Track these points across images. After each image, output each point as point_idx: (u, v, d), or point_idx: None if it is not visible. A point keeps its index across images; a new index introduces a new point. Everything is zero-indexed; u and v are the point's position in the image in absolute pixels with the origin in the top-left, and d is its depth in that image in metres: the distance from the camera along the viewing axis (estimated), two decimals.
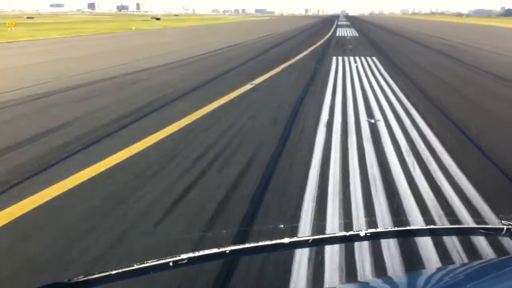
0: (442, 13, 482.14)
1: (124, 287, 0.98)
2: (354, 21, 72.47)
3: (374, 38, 26.06)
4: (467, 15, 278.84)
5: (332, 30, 36.87)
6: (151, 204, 3.33)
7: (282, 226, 3.03)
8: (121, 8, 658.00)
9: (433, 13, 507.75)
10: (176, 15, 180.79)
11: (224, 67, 11.70)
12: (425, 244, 2.58)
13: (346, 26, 48.21)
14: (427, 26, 53.40)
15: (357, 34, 30.38)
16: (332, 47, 19.21)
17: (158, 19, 73.77)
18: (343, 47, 18.87)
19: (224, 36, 28.56)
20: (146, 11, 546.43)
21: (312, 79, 9.95)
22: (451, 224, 1.19)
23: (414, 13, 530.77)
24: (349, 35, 29.66)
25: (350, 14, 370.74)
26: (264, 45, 20.26)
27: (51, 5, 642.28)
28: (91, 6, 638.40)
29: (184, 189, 3.60)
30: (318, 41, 22.20)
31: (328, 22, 65.54)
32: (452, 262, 2.06)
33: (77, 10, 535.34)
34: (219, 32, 36.20)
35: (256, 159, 4.38)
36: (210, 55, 15.55)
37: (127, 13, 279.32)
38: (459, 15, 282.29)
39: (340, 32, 33.63)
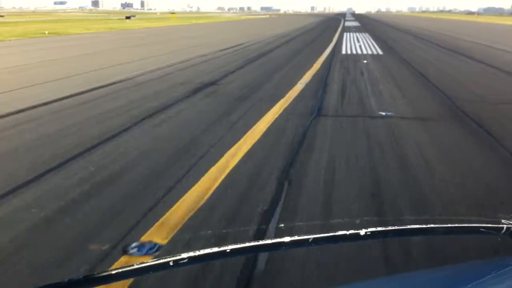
0: (450, 11, 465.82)
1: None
2: (364, 21, 59.84)
3: (429, 67, 13.16)
4: (478, 14, 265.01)
5: (336, 38, 24.49)
6: None
7: None
8: (125, 5, 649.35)
9: (441, 11, 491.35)
10: (173, 13, 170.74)
11: None
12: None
13: (356, 29, 35.73)
14: (460, 28, 40.83)
15: (379, 50, 17.87)
16: (328, 129, 6.66)
17: (128, 17, 62.32)
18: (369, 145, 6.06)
19: (171, 49, 16.70)
20: (150, 9, 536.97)
21: None
22: (450, 223, 0.92)
23: (422, 11, 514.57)
24: (365, 51, 17.24)
25: (357, 12, 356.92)
26: (190, 80, 8.15)
27: (55, 3, 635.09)
28: (95, 3, 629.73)
29: None
30: (299, 80, 9.98)
31: (332, 22, 52.94)
32: (452, 262, 1.72)
33: (79, 7, 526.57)
34: (180, 38, 24.25)
35: None
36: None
37: (124, 11, 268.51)
38: (470, 13, 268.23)
39: (349, 42, 21.23)
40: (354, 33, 28.55)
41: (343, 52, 16.22)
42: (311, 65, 12.00)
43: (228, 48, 17.43)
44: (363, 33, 28.78)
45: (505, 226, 0.94)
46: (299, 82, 9.18)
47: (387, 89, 8.64)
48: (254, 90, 8.38)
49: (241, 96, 7.77)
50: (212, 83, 9.20)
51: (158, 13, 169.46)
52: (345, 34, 27.89)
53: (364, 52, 16.38)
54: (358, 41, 21.42)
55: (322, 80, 9.54)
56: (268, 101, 7.26)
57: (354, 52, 16.33)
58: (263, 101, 7.34)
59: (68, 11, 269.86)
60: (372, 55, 15.24)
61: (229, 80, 9.59)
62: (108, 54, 15.62)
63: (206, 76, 10.16)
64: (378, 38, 24.31)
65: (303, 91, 8.19)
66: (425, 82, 9.65)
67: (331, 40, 21.89)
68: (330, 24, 47.51)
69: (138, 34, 28.82)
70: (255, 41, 21.52)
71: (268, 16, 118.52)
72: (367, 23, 52.71)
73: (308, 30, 35.24)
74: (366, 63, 13.00)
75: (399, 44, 20.76)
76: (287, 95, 7.75)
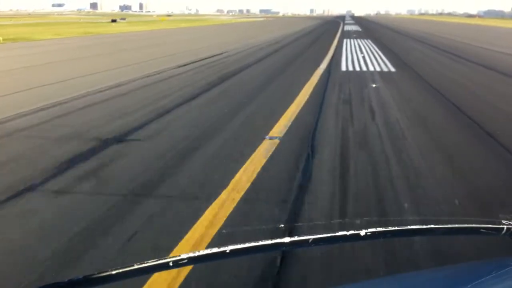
0: (449, 14, 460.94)
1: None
2: (364, 25, 56.03)
3: (473, 98, 9.32)
4: (479, 16, 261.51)
5: (335, 46, 20.58)
6: None
7: None
8: (123, 8, 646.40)
9: (440, 14, 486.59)
10: (169, 15, 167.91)
11: None
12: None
13: (357, 34, 31.82)
14: (486, 36, 37.06)
15: (389, 65, 13.82)
16: None
17: (114, 21, 58.69)
18: None
19: (123, 62, 12.84)
20: (149, 11, 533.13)
21: None
22: (450, 224, 0.93)
23: (421, 14, 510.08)
24: (372, 66, 13.23)
25: (356, 14, 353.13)
26: (83, 132, 4.23)
27: (53, 5, 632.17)
28: (94, 6, 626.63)
29: None
30: (269, 130, 6.06)
31: (331, 25, 49.08)
32: (452, 262, 1.83)
33: (77, 10, 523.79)
34: (146, 46, 20.37)
35: None
36: None
37: (122, 13, 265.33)
38: (470, 16, 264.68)
39: (350, 53, 17.27)
40: (355, 40, 24.65)
41: (343, 68, 12.32)
42: (297, 93, 8.12)
43: (193, 62, 13.56)
44: (365, 40, 24.88)
45: (505, 226, 0.93)
46: (265, 138, 5.29)
47: (426, 158, 4.70)
48: (176, 164, 4.47)
49: (138, 189, 3.87)
50: (115, 140, 5.27)
51: (155, 16, 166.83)
52: (345, 40, 24.01)
53: (370, 67, 12.47)
54: (361, 51, 17.51)
55: (306, 134, 5.62)
56: (182, 209, 3.37)
57: (357, 67, 12.43)
58: (173, 206, 3.44)
59: (65, 13, 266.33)
60: (382, 73, 11.34)
61: (149, 133, 5.64)
62: (24, 73, 11.70)
63: (117, 121, 6.23)
64: (384, 47, 20.39)
65: (265, 170, 4.25)
66: (482, 136, 5.74)
67: (328, 49, 18.00)
68: (329, 28, 43.71)
69: (108, 39, 25.05)
70: (238, 50, 17.67)
71: (264, 19, 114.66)
72: (369, 27, 48.90)
73: (303, 35, 31.41)
74: (375, 87, 9.12)
75: (412, 55, 16.85)
76: (232, 182, 3.86)
